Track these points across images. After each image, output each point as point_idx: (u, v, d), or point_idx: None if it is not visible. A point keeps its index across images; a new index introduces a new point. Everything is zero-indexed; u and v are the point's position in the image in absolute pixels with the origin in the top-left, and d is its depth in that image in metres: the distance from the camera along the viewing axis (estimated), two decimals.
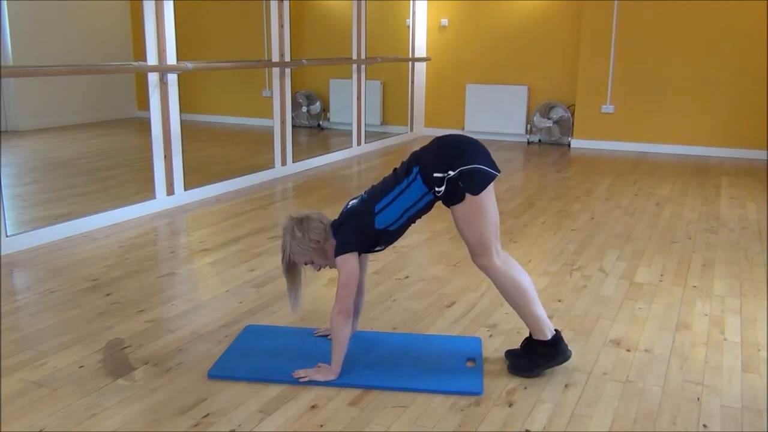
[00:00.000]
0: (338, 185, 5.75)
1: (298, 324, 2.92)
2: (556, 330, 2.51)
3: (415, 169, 2.37)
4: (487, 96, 8.27)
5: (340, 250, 2.37)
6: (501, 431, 2.14)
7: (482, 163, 2.33)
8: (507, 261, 2.45)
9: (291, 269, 2.46)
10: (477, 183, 2.32)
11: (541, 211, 4.87)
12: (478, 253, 2.41)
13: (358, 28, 7.08)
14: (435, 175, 2.32)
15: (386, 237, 2.44)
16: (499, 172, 2.39)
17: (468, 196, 2.32)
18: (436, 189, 2.34)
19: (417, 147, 2.52)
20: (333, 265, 2.43)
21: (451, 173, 2.31)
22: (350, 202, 2.49)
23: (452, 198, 2.35)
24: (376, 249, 2.49)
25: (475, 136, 2.47)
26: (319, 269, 2.51)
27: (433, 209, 2.46)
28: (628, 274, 3.58)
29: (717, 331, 2.88)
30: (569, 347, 2.51)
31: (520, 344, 2.58)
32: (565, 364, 2.55)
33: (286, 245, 2.42)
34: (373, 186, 2.48)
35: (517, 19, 8.11)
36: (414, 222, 2.46)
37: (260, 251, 3.91)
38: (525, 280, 2.46)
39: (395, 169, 2.46)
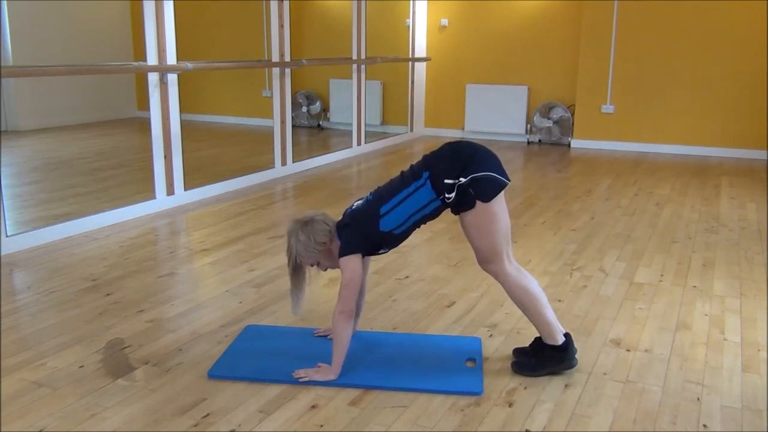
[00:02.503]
0: (338, 185, 5.75)
1: (298, 324, 2.92)
2: (566, 334, 2.51)
3: (425, 174, 2.35)
4: (487, 96, 8.27)
5: (344, 251, 2.36)
6: (501, 431, 2.14)
7: (493, 171, 2.33)
8: (518, 268, 2.45)
9: (297, 272, 2.46)
10: (488, 190, 2.31)
11: (541, 211, 4.87)
12: (489, 260, 2.41)
13: (358, 28, 7.08)
14: (446, 181, 2.31)
15: (390, 240, 2.43)
16: (509, 180, 2.38)
17: (479, 203, 2.31)
18: (446, 195, 2.32)
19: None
20: (338, 266, 2.43)
21: (463, 180, 2.29)
22: (355, 203, 2.48)
23: (462, 205, 2.34)
24: (380, 252, 2.48)
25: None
26: (326, 270, 2.51)
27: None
28: (628, 274, 3.58)
29: (717, 331, 2.88)
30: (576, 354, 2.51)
31: (529, 343, 2.58)
32: None
33: (292, 249, 2.41)
34: (378, 187, 2.47)
35: (517, 19, 8.11)
36: (419, 227, 2.45)
37: (260, 251, 3.91)
38: (535, 286, 2.46)
39: (403, 172, 2.45)
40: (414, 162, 2.46)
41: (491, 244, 2.37)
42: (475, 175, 2.29)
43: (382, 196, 2.41)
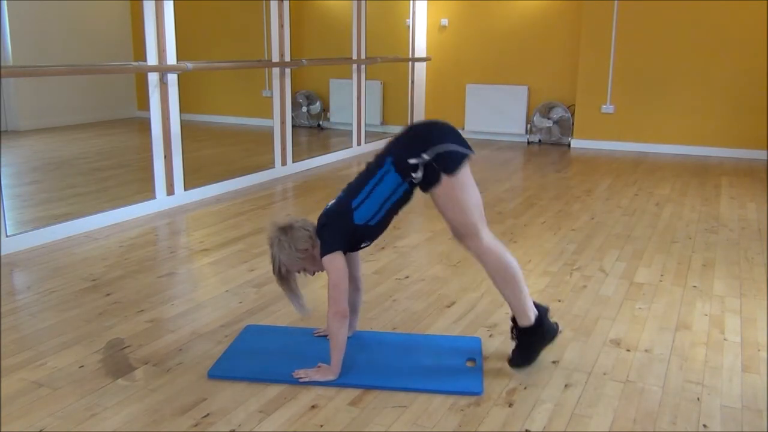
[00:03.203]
0: (338, 185, 5.73)
1: (298, 324, 2.92)
2: (539, 308, 2.51)
3: (388, 160, 2.37)
4: (487, 96, 8.27)
5: (325, 251, 2.36)
6: (501, 431, 2.14)
7: (455, 143, 2.34)
8: (496, 242, 2.44)
9: (285, 278, 2.44)
10: (452, 162, 2.32)
11: (541, 211, 4.87)
12: (464, 234, 2.40)
13: (358, 28, 7.08)
14: (410, 161, 2.32)
15: (369, 232, 2.43)
16: (473, 151, 2.39)
17: (444, 177, 2.32)
18: (413, 176, 2.33)
19: None
20: (323, 269, 2.42)
21: (426, 157, 2.31)
22: (330, 203, 2.48)
23: (430, 182, 2.34)
24: (362, 246, 2.49)
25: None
26: (314, 274, 2.50)
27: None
28: (628, 274, 3.58)
29: (717, 331, 2.88)
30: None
31: (511, 334, 2.58)
32: (565, 364, 2.56)
33: (276, 258, 2.40)
34: (348, 184, 2.48)
35: (517, 19, 8.11)
36: (396, 213, 2.45)
37: (260, 251, 3.91)
38: (513, 261, 2.45)
39: (368, 164, 2.46)
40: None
41: (464, 217, 2.37)
42: (437, 150, 2.31)
43: (351, 190, 2.42)
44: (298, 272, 2.46)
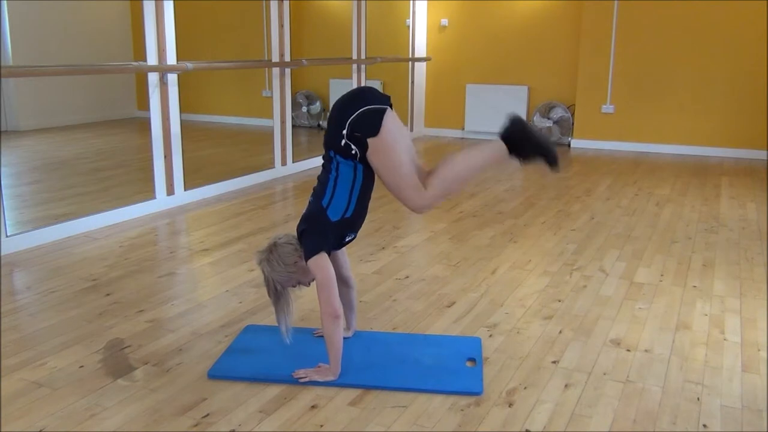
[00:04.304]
0: None
1: (298, 324, 2.92)
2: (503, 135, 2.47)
3: (331, 153, 2.40)
4: (487, 96, 8.27)
5: (309, 254, 2.36)
6: (501, 431, 2.14)
7: (367, 105, 2.34)
8: (431, 175, 2.42)
9: (280, 296, 2.44)
10: (369, 123, 2.33)
11: (541, 211, 4.87)
12: (410, 197, 2.39)
13: (358, 28, 7.08)
14: (341, 143, 2.35)
15: (348, 224, 2.44)
16: (387, 104, 2.38)
17: (370, 141, 2.33)
18: (352, 153, 2.35)
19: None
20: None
21: (345, 132, 2.33)
22: (305, 211, 2.50)
23: (362, 149, 2.35)
24: (346, 240, 2.50)
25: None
26: (309, 284, 2.49)
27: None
28: (628, 274, 3.58)
29: (717, 331, 2.88)
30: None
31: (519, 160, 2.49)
32: (565, 364, 2.56)
33: (269, 278, 2.41)
34: (314, 188, 2.50)
35: (517, 19, 8.11)
36: (368, 197, 2.46)
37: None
38: (456, 165, 2.42)
39: (322, 165, 2.49)
40: None
41: (400, 175, 2.36)
42: (350, 119, 2.33)
43: (318, 193, 2.44)
44: (294, 286, 2.46)
